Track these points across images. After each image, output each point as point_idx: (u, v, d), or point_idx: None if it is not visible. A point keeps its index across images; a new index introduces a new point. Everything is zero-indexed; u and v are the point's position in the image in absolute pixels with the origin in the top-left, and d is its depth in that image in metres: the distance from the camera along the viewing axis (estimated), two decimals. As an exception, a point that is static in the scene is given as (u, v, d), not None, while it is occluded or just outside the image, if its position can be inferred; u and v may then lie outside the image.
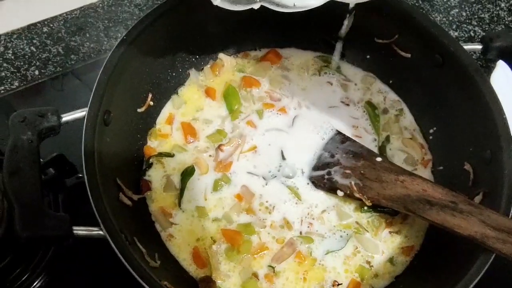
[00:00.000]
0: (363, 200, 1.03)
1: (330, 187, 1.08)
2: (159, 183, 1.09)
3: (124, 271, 1.02)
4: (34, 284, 1.07)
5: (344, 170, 1.07)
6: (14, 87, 1.39)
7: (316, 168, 1.11)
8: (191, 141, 1.14)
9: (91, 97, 0.94)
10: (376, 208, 1.07)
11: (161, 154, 1.11)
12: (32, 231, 0.79)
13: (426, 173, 1.15)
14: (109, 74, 0.98)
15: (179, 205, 1.06)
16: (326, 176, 1.08)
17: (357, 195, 1.04)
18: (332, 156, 1.10)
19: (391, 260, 1.04)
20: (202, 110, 1.19)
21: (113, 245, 0.81)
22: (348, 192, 1.05)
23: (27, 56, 1.47)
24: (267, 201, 1.08)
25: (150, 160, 1.11)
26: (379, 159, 1.07)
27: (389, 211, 1.07)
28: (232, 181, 1.09)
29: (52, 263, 1.08)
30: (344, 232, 1.06)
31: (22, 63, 1.45)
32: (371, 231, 1.06)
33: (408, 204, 0.98)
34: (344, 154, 1.10)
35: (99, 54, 1.49)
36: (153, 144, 1.14)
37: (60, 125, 0.92)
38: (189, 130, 1.15)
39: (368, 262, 1.03)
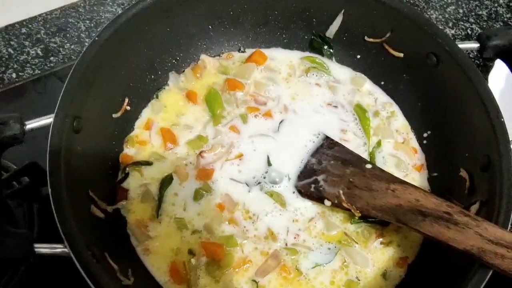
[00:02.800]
0: (352, 210, 0.97)
1: (317, 196, 1.01)
2: (136, 193, 1.02)
3: None
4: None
5: (332, 178, 1.01)
6: (-10, 90, 1.33)
7: (302, 175, 1.04)
8: (171, 147, 1.08)
9: (58, 102, 0.88)
10: (366, 218, 1.00)
11: (139, 163, 1.05)
12: (-11, 251, 0.72)
13: (420, 179, 1.09)
14: (80, 77, 0.92)
15: (157, 216, 1.00)
16: (313, 185, 1.01)
17: (345, 205, 0.97)
18: (320, 162, 1.04)
19: (383, 274, 0.98)
20: (182, 115, 1.13)
21: (77, 264, 0.74)
22: (336, 201, 0.99)
23: (4, 58, 1.41)
24: (250, 211, 1.01)
25: (127, 169, 1.04)
26: (369, 166, 1.01)
27: (379, 221, 1.00)
28: (213, 190, 1.03)
29: (22, 281, 1.01)
30: (332, 244, 0.99)
31: (-1, 66, 1.39)
32: (361, 242, 1.00)
33: (399, 215, 0.91)
34: (332, 160, 1.03)
35: (79, 55, 1.43)
36: (130, 152, 1.07)
37: (24, 133, 0.85)
38: (168, 136, 1.08)
39: (358, 277, 0.97)
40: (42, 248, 0.76)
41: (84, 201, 0.91)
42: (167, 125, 1.10)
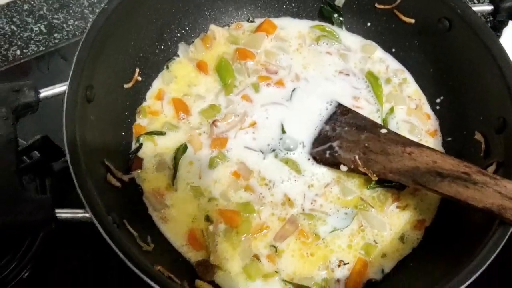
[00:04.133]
0: (369, 174, 0.97)
1: (332, 162, 1.01)
2: (150, 163, 1.02)
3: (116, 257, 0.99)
4: (22, 274, 1.00)
5: (347, 144, 1.00)
6: (-5, 68, 1.31)
7: (316, 143, 1.04)
8: (183, 117, 1.07)
9: (71, 70, 0.86)
10: (381, 183, 1.00)
11: (152, 133, 1.04)
12: (8, 217, 0.71)
13: (434, 144, 1.08)
14: (90, 46, 0.90)
15: (173, 184, 0.99)
16: (328, 151, 1.01)
17: (362, 169, 0.97)
18: (334, 129, 1.03)
19: (401, 238, 0.98)
20: (194, 85, 1.11)
21: (99, 228, 0.74)
22: (352, 166, 0.99)
23: (7, 36, 1.39)
24: (266, 178, 1.01)
25: (140, 139, 1.03)
26: (384, 130, 1.00)
27: (395, 186, 1.00)
28: (228, 158, 1.02)
29: (41, 251, 1.01)
30: (349, 209, 0.99)
31: (2, 43, 1.37)
32: (377, 207, 1.00)
33: (417, 177, 0.91)
34: (347, 127, 1.03)
35: (84, 32, 1.41)
36: (143, 122, 1.06)
37: (39, 101, 0.84)
38: (180, 106, 1.07)
39: (375, 241, 0.97)
40: (63, 213, 0.76)
41: (100, 170, 0.91)
42: (179, 95, 1.09)
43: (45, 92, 0.85)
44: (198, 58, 1.14)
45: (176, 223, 0.96)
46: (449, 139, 1.08)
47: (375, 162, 0.97)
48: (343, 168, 1.00)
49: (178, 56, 1.15)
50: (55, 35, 1.41)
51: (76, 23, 1.44)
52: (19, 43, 1.39)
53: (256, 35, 1.18)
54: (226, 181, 1.00)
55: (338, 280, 0.94)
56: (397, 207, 1.01)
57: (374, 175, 0.96)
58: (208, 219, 0.96)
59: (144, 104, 1.08)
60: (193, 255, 0.94)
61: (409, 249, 0.97)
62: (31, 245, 1.02)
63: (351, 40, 1.21)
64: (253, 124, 1.06)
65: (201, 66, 1.13)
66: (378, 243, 0.97)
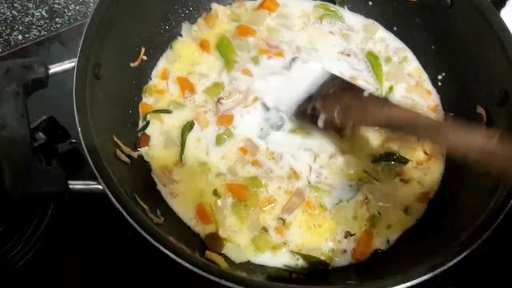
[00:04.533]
0: (346, 129, 0.98)
1: (311, 118, 1.01)
2: (158, 140, 1.03)
3: (125, 232, 0.99)
4: (30, 254, 1.01)
5: (328, 102, 1.00)
6: (-3, 52, 1.31)
7: (302, 102, 1.04)
8: (188, 96, 1.08)
9: (79, 47, 0.87)
10: (386, 157, 1.02)
11: (158, 111, 1.05)
12: (24, 188, 0.73)
13: (435, 118, 1.09)
14: (97, 24, 0.91)
15: (181, 161, 1.01)
16: (310, 109, 1.01)
17: (337, 122, 0.97)
18: (320, 91, 1.03)
19: (405, 210, 1.00)
20: (197, 64, 1.13)
21: (113, 199, 0.75)
22: (330, 121, 0.98)
23: (8, 21, 1.39)
24: (272, 151, 1.03)
25: (147, 117, 1.05)
26: (366, 93, 1.00)
27: (399, 159, 1.02)
28: (234, 135, 1.04)
29: (48, 230, 1.02)
30: (354, 181, 1.01)
31: (3, 28, 1.37)
32: (381, 180, 1.02)
33: (396, 127, 0.93)
34: (332, 89, 1.03)
35: (85, 16, 1.42)
36: (149, 101, 1.07)
37: (48, 77, 0.85)
38: (185, 85, 1.09)
39: (379, 212, 0.99)
40: (76, 185, 0.77)
41: (109, 146, 0.92)
42: (183, 74, 1.11)
43: (54, 68, 0.86)
44: (201, 37, 1.15)
45: (184, 198, 0.97)
46: (451, 114, 1.10)
47: (355, 115, 0.97)
48: (320, 123, 0.99)
49: (181, 35, 1.16)
50: (57, 19, 1.41)
51: (77, 7, 1.44)
52: (20, 28, 1.39)
53: (258, 13, 1.19)
54: (234, 156, 1.01)
55: (345, 251, 0.95)
56: (401, 180, 1.02)
57: (351, 126, 0.97)
58: (216, 193, 0.98)
59: (150, 83, 1.09)
60: (202, 229, 0.96)
61: (413, 220, 0.99)
62: (39, 224, 1.03)
63: (353, 19, 1.22)
64: (256, 100, 1.07)
65: (203, 45, 1.14)
66: (383, 214, 0.99)
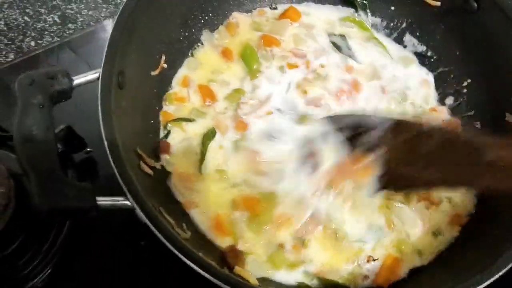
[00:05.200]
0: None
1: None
2: (178, 148, 1.00)
3: (148, 247, 0.97)
4: (47, 268, 0.98)
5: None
6: (10, 59, 1.29)
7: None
8: (209, 103, 1.05)
9: (103, 57, 0.84)
10: None
11: (180, 119, 1.03)
12: (53, 203, 0.70)
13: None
14: (121, 30, 0.88)
15: (200, 170, 0.98)
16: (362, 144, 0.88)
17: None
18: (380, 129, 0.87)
19: (434, 233, 0.97)
20: (219, 72, 1.10)
21: (142, 215, 0.73)
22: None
23: (20, 27, 1.36)
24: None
25: (168, 126, 1.02)
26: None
27: None
28: (250, 141, 1.01)
29: (67, 243, 0.99)
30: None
31: (16, 34, 1.35)
32: (406, 202, 0.98)
33: None
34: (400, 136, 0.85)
35: (98, 22, 1.40)
36: (170, 109, 1.05)
37: (72, 88, 0.82)
38: (206, 92, 1.06)
39: (407, 235, 0.96)
40: (104, 201, 0.74)
41: (133, 158, 0.89)
42: (204, 82, 1.08)
43: (78, 79, 0.83)
44: (222, 45, 1.13)
45: (204, 209, 0.94)
46: (478, 123, 1.08)
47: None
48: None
49: (202, 43, 1.14)
50: (69, 25, 1.39)
51: (90, 13, 1.42)
52: (33, 34, 1.36)
53: (280, 22, 1.16)
54: (247, 165, 0.98)
55: (366, 276, 0.92)
56: (428, 203, 0.99)
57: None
58: (233, 205, 0.95)
59: (171, 91, 1.07)
60: (221, 242, 0.92)
61: (443, 246, 0.96)
62: (57, 236, 1.00)
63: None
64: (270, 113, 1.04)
65: (226, 53, 1.12)
66: (411, 239, 0.96)
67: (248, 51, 1.11)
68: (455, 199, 1.00)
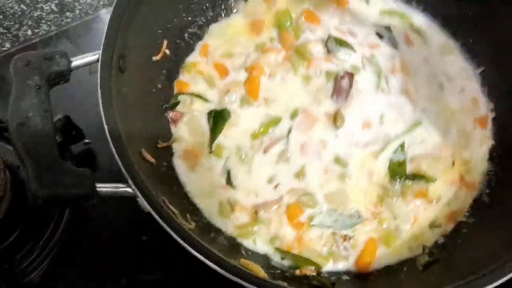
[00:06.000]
0: None
1: None
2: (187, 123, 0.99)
3: (150, 240, 0.93)
4: (45, 262, 0.95)
5: None
6: (6, 48, 1.25)
7: None
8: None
9: (104, 37, 0.80)
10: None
11: (193, 94, 1.01)
12: (50, 189, 0.66)
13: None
14: (122, 12, 0.84)
15: (210, 147, 0.96)
16: None
17: None
18: None
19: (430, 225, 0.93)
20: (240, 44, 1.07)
21: (145, 203, 0.68)
22: None
23: (17, 15, 1.32)
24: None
25: (179, 97, 1.00)
26: None
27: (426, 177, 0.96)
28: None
29: (64, 237, 0.96)
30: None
31: (12, 23, 1.32)
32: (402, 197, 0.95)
33: None
34: None
35: (96, 10, 1.36)
36: (185, 78, 1.03)
37: (71, 69, 0.78)
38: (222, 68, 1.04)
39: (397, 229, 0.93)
40: (104, 188, 0.70)
41: (135, 145, 0.85)
42: (223, 54, 1.05)
43: (77, 61, 0.79)
44: (255, 16, 1.09)
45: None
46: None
47: None
48: None
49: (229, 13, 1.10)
50: (67, 13, 1.35)
51: (88, 1, 1.38)
52: (30, 22, 1.32)
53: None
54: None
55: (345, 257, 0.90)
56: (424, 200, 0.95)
57: None
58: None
59: (190, 60, 1.05)
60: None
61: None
62: (56, 229, 0.96)
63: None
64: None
65: (256, 25, 1.08)
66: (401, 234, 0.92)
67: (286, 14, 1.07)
68: (454, 200, 0.96)
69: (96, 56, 0.79)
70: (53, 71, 0.74)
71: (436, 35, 1.10)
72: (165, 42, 1.00)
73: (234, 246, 0.87)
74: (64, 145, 1.06)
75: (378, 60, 1.05)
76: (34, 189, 0.64)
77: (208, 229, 0.89)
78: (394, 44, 1.08)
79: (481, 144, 1.00)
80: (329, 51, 1.04)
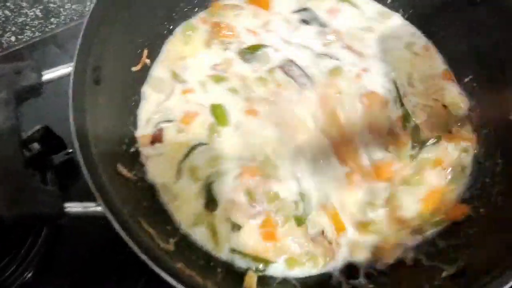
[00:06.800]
0: None
1: None
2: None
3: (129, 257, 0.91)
4: (25, 275, 0.92)
5: None
6: (-12, 55, 1.23)
7: None
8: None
9: (76, 49, 0.78)
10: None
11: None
12: (18, 209, 0.64)
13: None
14: (98, 22, 0.82)
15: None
16: None
17: None
18: None
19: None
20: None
21: (114, 223, 0.66)
22: None
23: (1, 21, 1.30)
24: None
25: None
26: None
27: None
28: None
29: (44, 249, 0.94)
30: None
31: (-5, 29, 1.29)
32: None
33: None
34: None
35: (82, 16, 1.34)
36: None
37: (42, 84, 0.76)
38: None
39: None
40: (73, 207, 0.68)
41: (110, 160, 0.83)
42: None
43: (48, 75, 0.77)
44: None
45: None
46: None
47: None
48: None
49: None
50: (52, 19, 1.33)
51: (73, 6, 1.35)
52: (13, 29, 1.30)
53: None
54: None
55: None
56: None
57: None
58: None
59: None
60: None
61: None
62: (34, 243, 0.94)
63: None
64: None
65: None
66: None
67: None
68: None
69: (69, 69, 0.77)
70: (22, 85, 0.72)
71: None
72: (146, 52, 0.98)
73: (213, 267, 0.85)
74: (45, 155, 1.04)
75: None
76: (1, 209, 0.62)
77: (189, 249, 0.86)
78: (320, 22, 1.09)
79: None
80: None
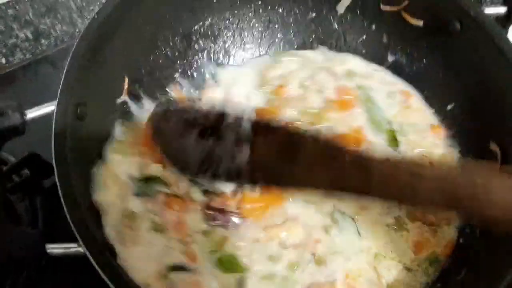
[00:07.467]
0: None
1: None
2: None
3: None
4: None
5: None
6: (-21, 78, 1.25)
7: None
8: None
9: (60, 88, 0.79)
10: None
11: None
12: (-5, 254, 0.65)
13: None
14: (80, 60, 0.83)
15: None
16: None
17: None
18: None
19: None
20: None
21: (96, 266, 0.68)
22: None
23: (-10, 44, 1.32)
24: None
25: None
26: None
27: None
28: None
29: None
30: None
31: (-14, 51, 1.30)
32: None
33: None
34: None
35: (72, 38, 1.36)
36: None
37: (25, 123, 0.78)
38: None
39: None
40: (55, 249, 0.69)
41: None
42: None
43: (31, 114, 0.78)
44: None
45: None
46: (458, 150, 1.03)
47: None
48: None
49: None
50: (42, 41, 1.35)
51: (64, 28, 1.37)
52: (4, 50, 1.32)
53: None
54: None
55: None
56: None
57: None
58: None
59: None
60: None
61: None
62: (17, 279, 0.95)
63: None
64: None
65: None
66: None
67: None
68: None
69: (53, 108, 0.79)
70: (4, 126, 0.74)
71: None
72: (126, 79, 0.99)
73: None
74: (34, 180, 1.07)
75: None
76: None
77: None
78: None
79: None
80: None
